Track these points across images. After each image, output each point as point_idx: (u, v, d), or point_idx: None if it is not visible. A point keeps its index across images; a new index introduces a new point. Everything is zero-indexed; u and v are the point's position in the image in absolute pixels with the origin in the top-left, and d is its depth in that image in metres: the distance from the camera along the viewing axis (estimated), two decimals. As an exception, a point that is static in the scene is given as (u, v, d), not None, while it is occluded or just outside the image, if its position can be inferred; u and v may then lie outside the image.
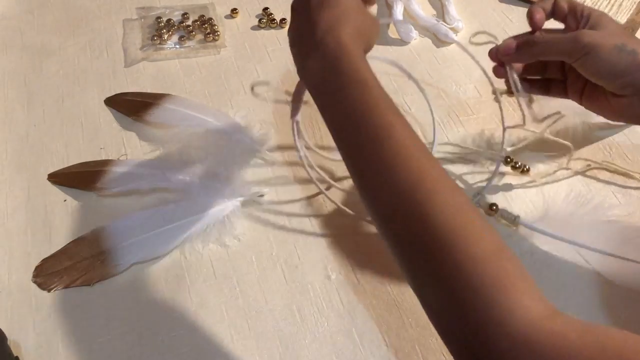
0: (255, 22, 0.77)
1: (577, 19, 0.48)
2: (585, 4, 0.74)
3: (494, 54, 0.51)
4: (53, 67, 0.73)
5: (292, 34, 0.47)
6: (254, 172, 0.61)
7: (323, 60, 0.42)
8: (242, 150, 0.62)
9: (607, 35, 0.45)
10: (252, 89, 0.68)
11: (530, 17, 0.49)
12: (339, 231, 0.56)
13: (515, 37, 0.50)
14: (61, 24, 0.79)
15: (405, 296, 0.52)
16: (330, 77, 0.41)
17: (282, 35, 0.76)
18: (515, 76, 0.51)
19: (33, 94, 0.70)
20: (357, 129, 0.39)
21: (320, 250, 0.55)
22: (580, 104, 0.53)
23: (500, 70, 0.52)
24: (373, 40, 0.46)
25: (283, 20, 0.76)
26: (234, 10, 0.78)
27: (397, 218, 0.36)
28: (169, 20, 0.77)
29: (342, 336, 0.49)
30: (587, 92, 0.51)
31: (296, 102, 0.53)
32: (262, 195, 0.59)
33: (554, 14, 0.50)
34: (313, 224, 0.57)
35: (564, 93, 0.54)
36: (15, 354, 0.48)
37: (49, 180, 0.61)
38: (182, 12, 0.78)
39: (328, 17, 0.43)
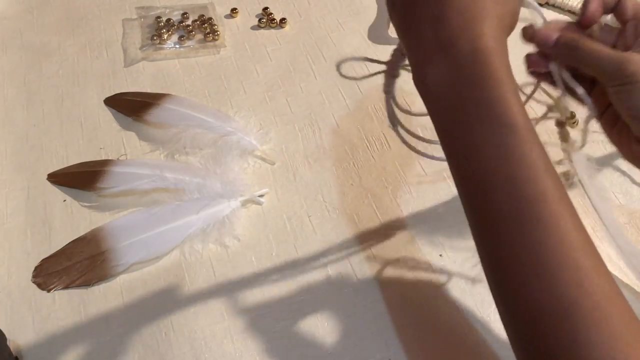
0: (255, 21, 0.77)
1: (637, 31, 0.38)
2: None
3: (529, 35, 0.40)
4: (52, 67, 0.73)
5: (398, 18, 0.35)
6: (254, 172, 0.61)
7: (451, 73, 0.31)
8: (242, 150, 0.62)
9: None
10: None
11: (584, 5, 0.39)
12: (339, 231, 0.56)
13: (558, 27, 0.39)
14: (61, 24, 0.79)
15: (405, 296, 0.52)
16: (460, 100, 0.31)
17: (282, 35, 0.76)
18: (568, 77, 0.39)
19: (32, 94, 0.70)
20: (494, 192, 0.29)
21: (321, 250, 0.55)
22: (602, 127, 0.42)
23: (538, 62, 0.40)
24: (516, 18, 0.35)
25: (283, 20, 0.76)
26: (233, 10, 0.78)
27: (541, 333, 0.27)
28: (168, 20, 0.77)
29: (342, 336, 0.49)
30: (611, 120, 0.41)
31: (391, 75, 0.42)
32: (262, 195, 0.59)
33: (614, 11, 0.39)
34: (313, 224, 0.57)
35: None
36: (15, 354, 0.48)
37: (49, 180, 0.61)
38: (181, 11, 0.78)
39: (461, 5, 0.31)
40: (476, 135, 0.30)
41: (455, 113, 0.31)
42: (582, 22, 0.39)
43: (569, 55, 0.38)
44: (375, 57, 0.44)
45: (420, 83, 0.33)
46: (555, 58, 0.39)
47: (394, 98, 0.43)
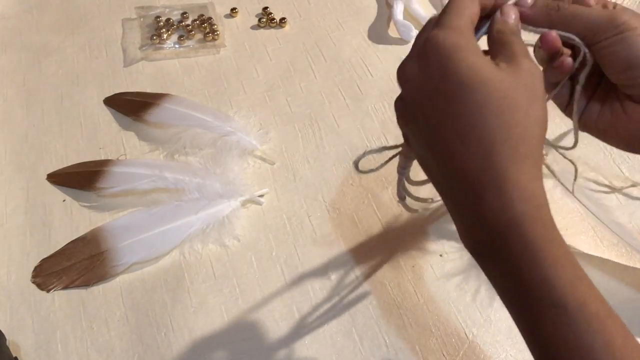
0: (255, 21, 0.77)
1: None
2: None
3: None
4: (52, 67, 0.73)
5: (419, 155, 0.33)
6: (254, 172, 0.61)
7: (489, 248, 0.29)
8: (242, 150, 0.61)
9: None
10: None
11: None
12: (339, 231, 0.56)
13: None
14: (60, 24, 0.78)
15: (405, 296, 0.51)
16: (502, 277, 0.29)
17: (281, 35, 0.76)
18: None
19: (32, 94, 0.70)
20: None
21: (320, 250, 0.55)
22: (584, 128, 0.39)
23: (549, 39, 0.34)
24: (546, 125, 0.31)
25: (283, 19, 0.76)
26: (233, 10, 0.78)
27: None
28: (168, 19, 0.77)
29: (342, 336, 0.49)
30: (599, 104, 0.38)
31: (406, 157, 0.40)
32: (262, 195, 0.59)
33: None
34: (313, 224, 0.57)
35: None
36: (14, 355, 0.48)
37: (48, 180, 0.61)
38: (181, 11, 0.78)
39: (488, 155, 0.28)
40: (526, 315, 0.28)
41: (502, 286, 0.29)
42: None
43: (550, 15, 0.34)
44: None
45: (466, 247, 0.31)
46: (531, 20, 0.35)
47: (408, 177, 0.42)
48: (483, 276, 0.31)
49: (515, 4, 0.35)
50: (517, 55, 0.31)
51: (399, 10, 0.75)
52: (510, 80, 0.29)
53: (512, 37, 0.32)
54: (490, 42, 0.33)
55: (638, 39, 0.33)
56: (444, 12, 0.32)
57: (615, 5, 0.35)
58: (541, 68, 0.35)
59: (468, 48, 0.30)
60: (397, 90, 0.34)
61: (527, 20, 0.35)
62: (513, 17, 0.33)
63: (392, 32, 0.75)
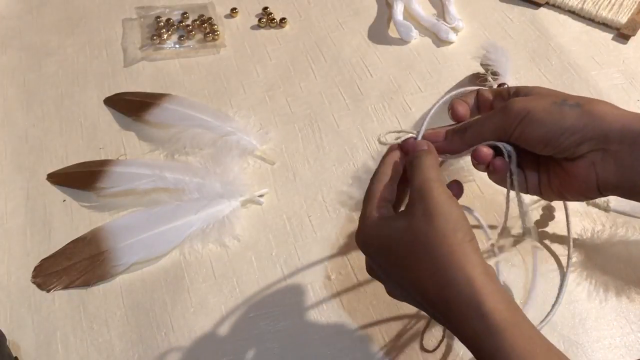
0: (255, 21, 0.77)
1: (504, 99, 0.41)
2: (586, 4, 0.74)
3: (410, 145, 0.41)
4: (52, 67, 0.73)
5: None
6: (254, 172, 0.61)
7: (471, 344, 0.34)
8: (242, 150, 0.62)
9: (540, 98, 0.39)
10: None
11: (452, 110, 0.42)
12: (339, 231, 0.56)
13: (441, 128, 0.42)
14: (60, 24, 0.79)
15: (406, 296, 0.51)
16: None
17: (281, 35, 0.76)
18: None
19: (32, 94, 0.70)
20: None
21: (320, 250, 0.55)
22: (543, 196, 0.43)
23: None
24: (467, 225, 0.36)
25: (283, 19, 0.76)
26: (233, 10, 0.78)
27: None
28: (168, 19, 0.77)
29: (342, 336, 0.49)
30: (545, 177, 0.42)
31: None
32: (262, 195, 0.59)
33: (478, 108, 0.43)
34: (313, 224, 0.57)
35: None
36: (14, 354, 0.48)
37: (48, 180, 0.61)
38: (181, 11, 0.78)
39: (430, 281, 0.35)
40: None
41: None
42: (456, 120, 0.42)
43: (462, 138, 0.41)
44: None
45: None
46: (449, 149, 0.42)
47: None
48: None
49: (430, 141, 0.41)
50: (414, 204, 0.37)
51: (398, 11, 0.75)
52: (410, 235, 0.36)
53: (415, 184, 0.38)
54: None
55: (537, 118, 0.37)
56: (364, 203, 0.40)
57: (509, 91, 0.41)
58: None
59: (380, 235, 0.38)
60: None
61: (446, 151, 0.41)
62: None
63: (392, 32, 0.75)
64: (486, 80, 0.64)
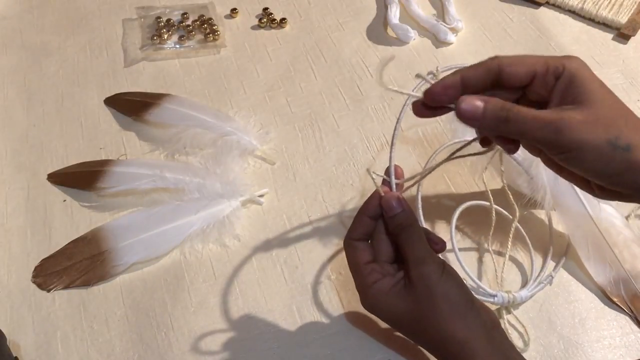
0: (255, 21, 0.77)
1: (546, 84, 0.36)
2: (586, 4, 0.74)
3: (432, 96, 0.37)
4: (53, 67, 0.73)
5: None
6: (254, 172, 0.61)
7: None
8: (242, 150, 0.62)
9: (598, 122, 0.34)
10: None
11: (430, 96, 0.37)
12: (339, 231, 0.56)
13: (482, 99, 0.36)
14: (61, 24, 0.79)
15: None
16: None
17: (282, 35, 0.76)
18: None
19: (33, 94, 0.70)
20: None
21: (320, 250, 0.55)
22: (561, 175, 0.40)
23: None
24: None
25: (283, 20, 0.76)
26: (233, 10, 0.78)
27: None
28: (168, 20, 0.77)
29: (342, 336, 0.49)
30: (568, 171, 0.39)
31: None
32: (262, 195, 0.59)
33: (497, 85, 0.36)
34: (313, 224, 0.57)
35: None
36: (14, 354, 0.48)
37: (49, 180, 0.61)
38: (181, 11, 0.78)
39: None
40: None
41: None
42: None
43: (500, 128, 0.35)
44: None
45: None
46: (481, 131, 0.38)
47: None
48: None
49: (463, 113, 0.36)
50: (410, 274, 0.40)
51: (393, 15, 0.75)
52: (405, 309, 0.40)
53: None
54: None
55: (588, 156, 0.34)
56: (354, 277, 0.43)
57: (555, 73, 0.35)
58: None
59: (387, 311, 0.41)
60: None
61: (478, 125, 0.36)
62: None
63: (392, 32, 0.75)
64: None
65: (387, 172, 0.43)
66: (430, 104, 0.37)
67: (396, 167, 0.43)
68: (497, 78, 0.36)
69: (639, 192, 0.36)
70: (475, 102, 0.35)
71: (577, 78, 0.35)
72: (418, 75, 0.38)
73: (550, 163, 0.39)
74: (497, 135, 0.37)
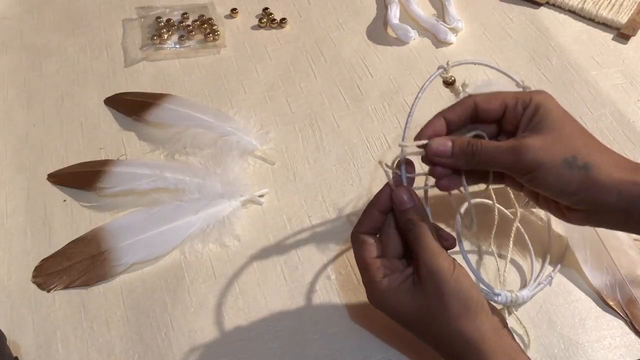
0: (255, 21, 0.77)
1: (516, 114, 0.40)
2: (586, 4, 0.74)
3: (432, 151, 0.41)
4: (53, 67, 0.73)
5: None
6: (254, 172, 0.61)
7: None
8: (242, 150, 0.62)
9: (555, 144, 0.38)
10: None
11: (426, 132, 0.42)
12: (339, 231, 0.56)
13: (450, 139, 0.41)
14: (61, 24, 0.79)
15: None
16: None
17: (282, 35, 0.76)
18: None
19: (33, 94, 0.70)
20: None
21: (320, 250, 0.55)
22: (536, 204, 0.44)
23: (441, 175, 0.42)
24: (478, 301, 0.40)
25: (283, 20, 0.76)
26: (233, 10, 0.78)
27: None
28: (168, 20, 0.77)
29: (342, 336, 0.49)
30: (541, 197, 0.43)
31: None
32: (262, 195, 0.59)
33: (476, 120, 0.42)
34: (313, 224, 0.57)
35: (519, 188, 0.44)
36: (14, 354, 0.48)
37: (49, 180, 0.61)
38: (182, 11, 0.78)
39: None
40: None
41: None
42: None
43: (469, 161, 0.40)
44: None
45: None
46: (453, 166, 0.41)
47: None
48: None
49: (434, 151, 0.40)
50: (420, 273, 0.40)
51: (393, 15, 0.75)
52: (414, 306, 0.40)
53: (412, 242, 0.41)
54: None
55: (546, 175, 0.38)
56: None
57: (523, 103, 0.40)
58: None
59: (395, 308, 0.41)
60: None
61: (450, 168, 0.41)
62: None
63: (392, 32, 0.75)
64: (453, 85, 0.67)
65: (399, 165, 0.42)
66: (437, 155, 0.41)
67: (408, 160, 0.43)
68: (474, 114, 0.41)
69: (602, 209, 0.38)
70: (445, 142, 0.40)
71: (542, 107, 0.39)
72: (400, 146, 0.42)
73: (531, 195, 0.43)
74: (466, 168, 0.41)
